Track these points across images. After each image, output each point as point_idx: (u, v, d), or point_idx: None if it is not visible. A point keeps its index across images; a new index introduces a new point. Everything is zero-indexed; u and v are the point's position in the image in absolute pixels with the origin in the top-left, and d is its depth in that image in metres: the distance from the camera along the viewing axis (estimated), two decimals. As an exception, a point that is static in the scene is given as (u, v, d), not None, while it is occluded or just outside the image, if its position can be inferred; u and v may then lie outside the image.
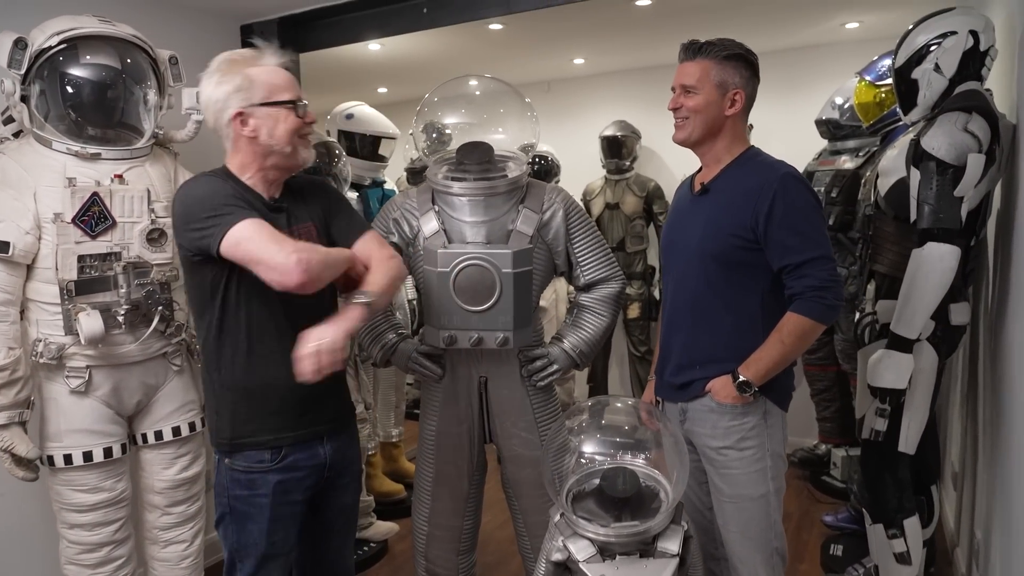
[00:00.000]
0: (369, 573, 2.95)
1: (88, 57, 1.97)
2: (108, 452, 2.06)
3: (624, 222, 4.23)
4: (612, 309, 2.06)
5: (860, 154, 3.22)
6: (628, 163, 4.25)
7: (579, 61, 4.19)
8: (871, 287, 2.24)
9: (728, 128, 1.79)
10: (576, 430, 1.71)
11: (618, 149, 4.23)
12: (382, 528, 3.11)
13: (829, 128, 3.42)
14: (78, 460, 2.02)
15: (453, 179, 1.97)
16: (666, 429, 1.72)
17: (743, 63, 1.77)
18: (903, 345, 1.93)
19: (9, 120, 2.05)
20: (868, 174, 2.76)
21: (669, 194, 4.24)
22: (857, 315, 2.40)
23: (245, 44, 3.15)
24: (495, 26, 3.28)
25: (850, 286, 3.00)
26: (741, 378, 1.73)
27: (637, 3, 3.00)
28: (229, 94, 1.57)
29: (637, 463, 1.70)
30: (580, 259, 2.04)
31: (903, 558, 2.11)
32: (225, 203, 1.52)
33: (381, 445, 3.64)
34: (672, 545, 1.56)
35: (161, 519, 2.24)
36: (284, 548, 1.68)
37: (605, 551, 1.56)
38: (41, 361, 1.96)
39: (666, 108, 1.85)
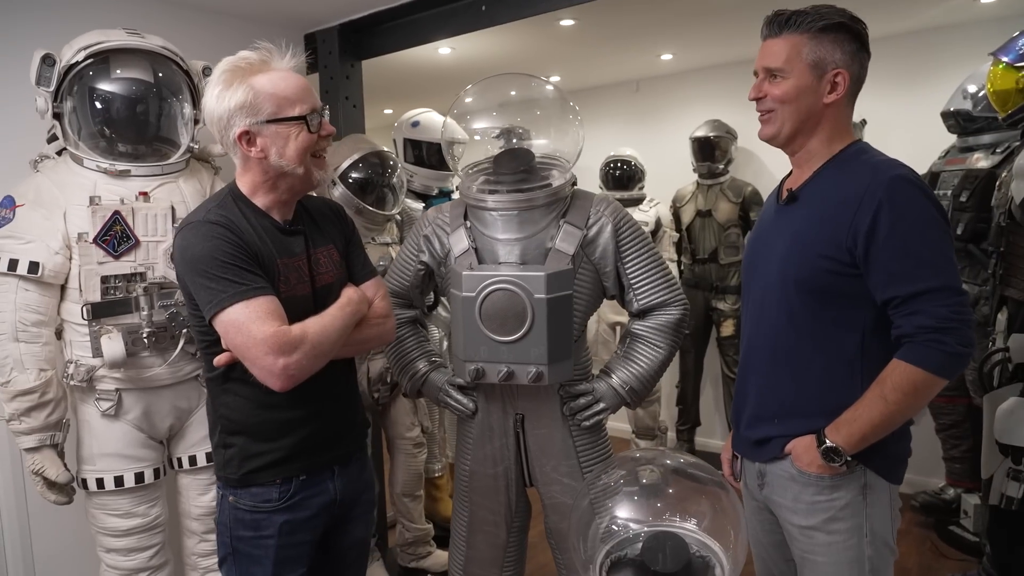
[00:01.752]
0: (424, 608, 2.79)
1: (118, 71, 1.92)
2: (140, 477, 2.00)
3: (717, 231, 3.86)
4: (670, 340, 1.77)
5: (998, 151, 2.73)
6: (722, 166, 3.87)
7: (667, 57, 3.86)
8: (1002, 316, 1.82)
9: (829, 119, 1.41)
10: (611, 488, 1.44)
11: (711, 151, 3.87)
12: (441, 558, 2.94)
13: (959, 121, 2.94)
14: (110, 484, 1.97)
15: (488, 191, 1.75)
16: (723, 490, 1.42)
17: (846, 34, 1.38)
18: (1044, 394, 1.52)
19: (54, 138, 2.04)
20: (1004, 175, 2.29)
21: (768, 200, 3.84)
22: (989, 346, 1.97)
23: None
24: (566, 22, 3.04)
25: (983, 307, 2.53)
26: (828, 442, 1.36)
27: (720, -13, 2.67)
28: (232, 111, 1.40)
29: (687, 527, 1.41)
30: (633, 281, 1.77)
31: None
32: (222, 273, 1.36)
33: (450, 466, 3.47)
34: (726, 639, 1.27)
35: (199, 546, 2.16)
36: None
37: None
38: (72, 383, 1.92)
39: None
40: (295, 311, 1.41)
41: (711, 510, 1.43)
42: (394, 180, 2.74)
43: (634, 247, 1.76)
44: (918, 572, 2.89)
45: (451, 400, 1.84)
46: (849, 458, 1.35)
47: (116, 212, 1.84)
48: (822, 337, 1.40)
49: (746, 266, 1.61)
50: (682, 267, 4.00)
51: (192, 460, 2.09)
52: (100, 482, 1.97)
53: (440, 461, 3.33)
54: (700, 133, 3.89)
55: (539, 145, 1.80)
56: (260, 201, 1.49)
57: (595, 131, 4.59)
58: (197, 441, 2.08)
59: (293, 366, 1.34)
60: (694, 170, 3.96)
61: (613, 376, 1.78)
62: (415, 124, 3.21)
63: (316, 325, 1.41)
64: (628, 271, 1.76)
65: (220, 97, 1.41)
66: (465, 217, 1.79)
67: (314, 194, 1.66)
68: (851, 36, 1.38)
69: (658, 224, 3.85)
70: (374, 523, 1.73)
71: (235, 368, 1.46)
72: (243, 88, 1.40)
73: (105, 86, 1.91)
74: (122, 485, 1.97)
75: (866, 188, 1.33)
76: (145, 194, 1.90)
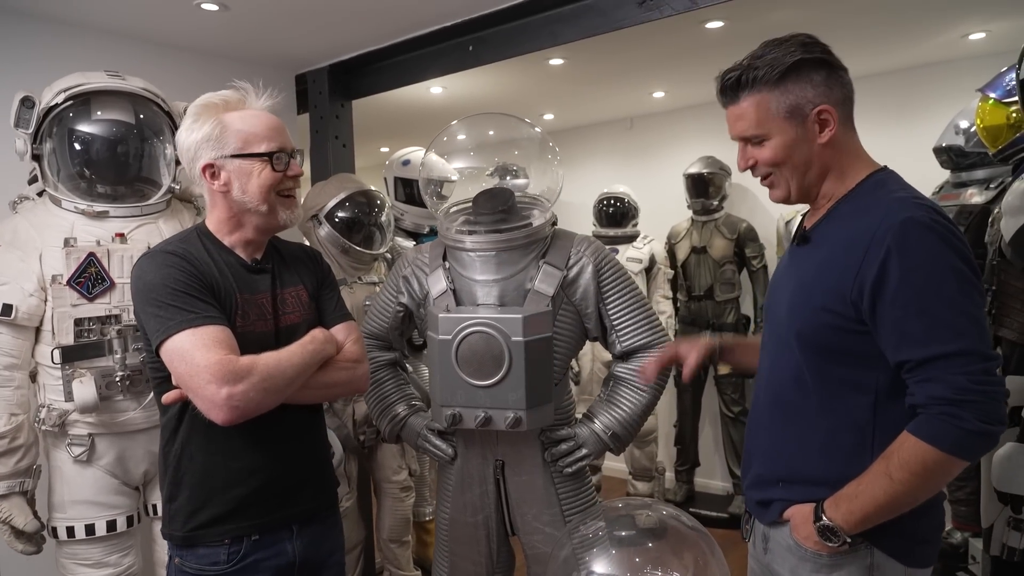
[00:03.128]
0: (411, 660, 2.69)
1: (98, 113, 1.91)
2: (112, 525, 1.94)
3: (713, 267, 3.82)
4: (655, 383, 1.72)
5: (991, 186, 2.69)
6: (716, 202, 3.85)
7: (659, 94, 3.88)
8: (997, 357, 1.76)
9: (833, 158, 1.26)
10: (589, 540, 1.38)
11: (704, 188, 3.85)
12: (429, 607, 2.84)
13: (951, 157, 2.91)
14: (80, 533, 1.91)
15: (467, 232, 1.72)
16: (705, 541, 1.36)
17: (807, 68, 1.22)
18: (1041, 439, 1.45)
19: (35, 179, 2.03)
20: (997, 211, 2.26)
21: (763, 236, 3.82)
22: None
23: (299, 95, 3.11)
24: (555, 61, 3.05)
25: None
26: (825, 520, 1.19)
27: (707, 26, 2.67)
28: (199, 143, 1.41)
29: (671, 582, 1.35)
30: (616, 323, 1.72)
31: None
32: (171, 300, 1.33)
33: (441, 510, 3.38)
34: None
35: (174, 596, 2.09)
36: None
37: None
38: (44, 428, 1.87)
39: None
40: (254, 347, 1.36)
41: (694, 563, 1.36)
42: (382, 219, 2.73)
43: (616, 288, 1.72)
44: (925, 621, 2.77)
45: (429, 446, 1.78)
46: (849, 539, 1.19)
47: (91, 254, 1.82)
48: (829, 398, 1.24)
49: (765, 312, 1.45)
50: (678, 304, 3.96)
51: (167, 507, 2.03)
52: (70, 531, 1.91)
53: (431, 504, 3.25)
54: (694, 170, 3.88)
55: (518, 185, 1.78)
56: (227, 239, 1.47)
57: (589, 169, 4.60)
58: (172, 487, 2.02)
59: (238, 396, 1.27)
60: (688, 207, 3.94)
61: (596, 421, 1.73)
62: (405, 163, 3.21)
63: (270, 358, 1.35)
64: (610, 312, 1.72)
65: (189, 130, 1.42)
66: (444, 258, 1.76)
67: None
68: (813, 66, 1.23)
69: (652, 261, 3.82)
70: None
71: (186, 411, 1.40)
72: (212, 122, 1.41)
73: (84, 128, 1.91)
74: (93, 534, 1.91)
75: (874, 232, 1.15)
76: (121, 235, 1.87)
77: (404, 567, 2.83)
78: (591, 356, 3.74)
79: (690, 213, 3.96)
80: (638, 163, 4.49)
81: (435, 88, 3.45)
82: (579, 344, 1.78)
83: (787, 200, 1.31)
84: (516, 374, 1.57)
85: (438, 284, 1.72)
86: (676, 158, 4.11)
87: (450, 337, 1.60)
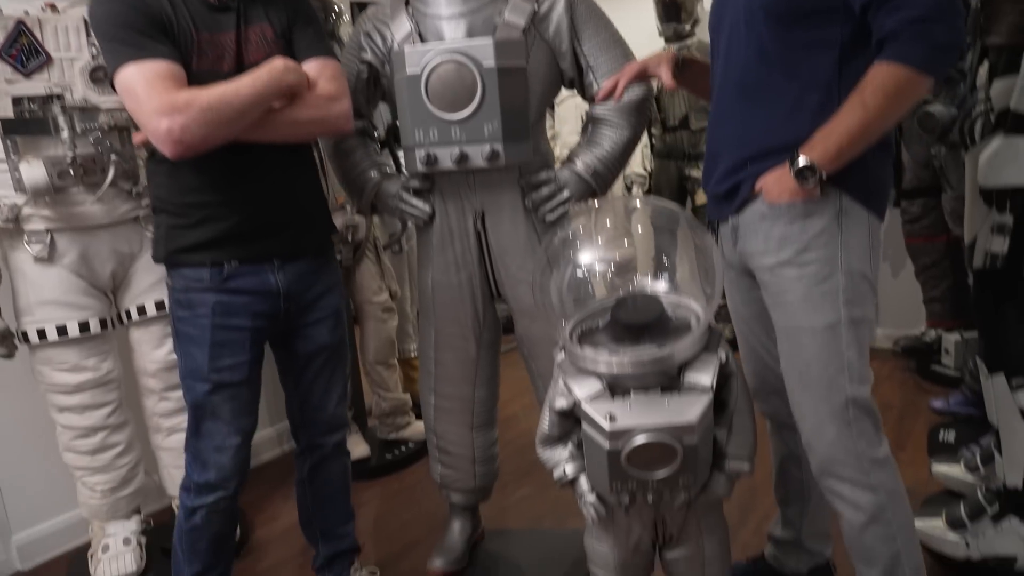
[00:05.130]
0: (405, 473, 2.73)
1: None
2: (84, 326, 1.88)
3: (687, 96, 3.72)
4: (635, 119, 1.67)
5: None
6: (688, 27, 3.72)
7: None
8: (983, 70, 1.71)
9: None
10: (574, 235, 1.34)
11: (676, 11, 3.70)
12: (420, 428, 2.86)
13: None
14: (52, 335, 1.86)
15: (429, -31, 1.61)
16: (698, 237, 1.33)
17: None
18: (1029, 125, 1.43)
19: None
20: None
21: (737, 58, 3.71)
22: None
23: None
24: None
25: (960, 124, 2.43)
26: (802, 161, 1.24)
27: None
28: None
29: (659, 288, 1.33)
30: (592, 61, 1.65)
31: (1034, 416, 1.63)
32: (119, 33, 1.32)
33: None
34: (703, 377, 1.18)
35: (160, 405, 2.06)
36: (233, 378, 1.49)
37: (616, 387, 1.21)
38: (-2, 226, 1.78)
39: None
40: None
41: (685, 267, 1.34)
42: (336, 29, 2.58)
43: (591, 23, 1.64)
44: (901, 406, 2.88)
45: (406, 206, 1.72)
46: (823, 176, 1.23)
47: (20, 21, 1.67)
48: (795, 63, 1.27)
49: (713, 23, 1.46)
50: (653, 138, 3.89)
51: (141, 310, 1.98)
52: (42, 333, 1.85)
53: (415, 341, 3.24)
54: (664, -9, 3.72)
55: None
56: None
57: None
58: (145, 289, 1.96)
59: (178, 130, 1.26)
60: (660, 33, 3.80)
61: (576, 162, 1.67)
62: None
63: (214, 90, 1.32)
64: (586, 50, 1.64)
65: None
66: (407, 3, 1.65)
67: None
68: None
69: (624, 90, 3.71)
70: (344, 332, 1.68)
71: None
72: None
73: None
74: (66, 335, 1.86)
75: None
76: (52, 5, 1.73)
77: (392, 389, 2.84)
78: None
79: (662, 42, 3.82)
80: None
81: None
82: (555, 87, 1.70)
83: None
84: (490, 104, 1.49)
85: (402, 28, 1.62)
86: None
87: (418, 71, 1.51)
